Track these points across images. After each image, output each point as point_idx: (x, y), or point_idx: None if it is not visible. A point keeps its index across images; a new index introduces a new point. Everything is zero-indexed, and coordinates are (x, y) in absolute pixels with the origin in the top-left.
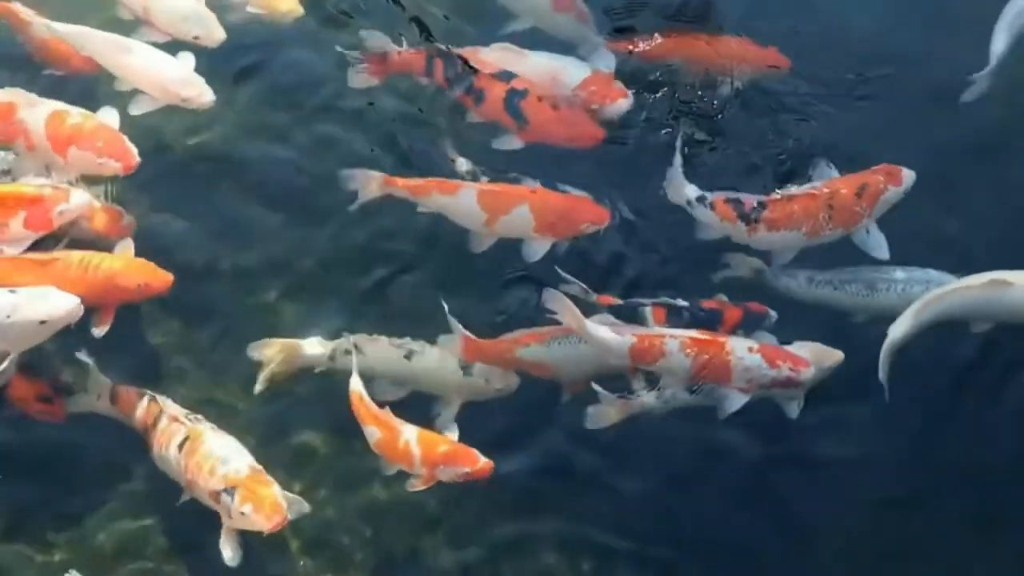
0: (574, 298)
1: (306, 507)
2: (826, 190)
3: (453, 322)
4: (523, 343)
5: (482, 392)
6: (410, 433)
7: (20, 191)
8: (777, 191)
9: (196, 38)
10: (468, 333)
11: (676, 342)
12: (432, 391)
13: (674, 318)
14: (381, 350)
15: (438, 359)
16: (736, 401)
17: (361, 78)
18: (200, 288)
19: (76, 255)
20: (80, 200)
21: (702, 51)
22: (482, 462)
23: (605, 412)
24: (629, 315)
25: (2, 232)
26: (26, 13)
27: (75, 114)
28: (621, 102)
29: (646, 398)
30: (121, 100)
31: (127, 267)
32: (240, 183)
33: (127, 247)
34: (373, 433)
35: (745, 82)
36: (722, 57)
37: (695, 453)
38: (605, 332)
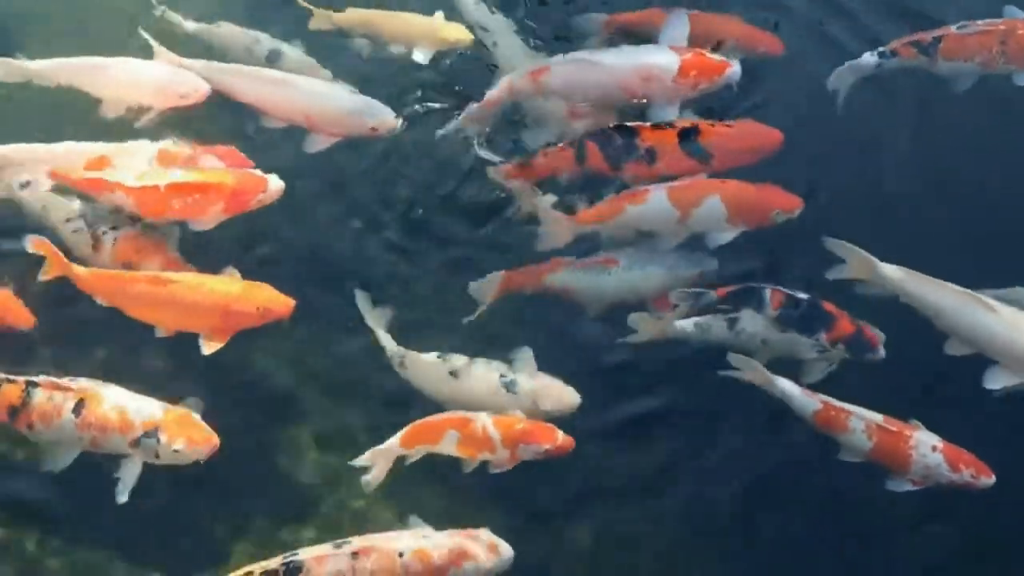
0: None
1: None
2: (1003, 27)
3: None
4: (552, 269)
5: (532, 410)
6: (484, 419)
7: (225, 179)
8: (955, 25)
9: (373, 129)
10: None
11: (861, 422)
12: (477, 409)
13: (787, 308)
14: (426, 366)
15: (481, 380)
16: (902, 487)
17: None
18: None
19: (194, 277)
20: (276, 187)
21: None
22: (561, 438)
23: (644, 326)
24: (743, 299)
25: (200, 213)
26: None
27: (174, 144)
28: (731, 72)
29: (685, 324)
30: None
31: (247, 291)
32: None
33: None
34: (452, 437)
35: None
36: (716, 35)
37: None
38: (792, 388)
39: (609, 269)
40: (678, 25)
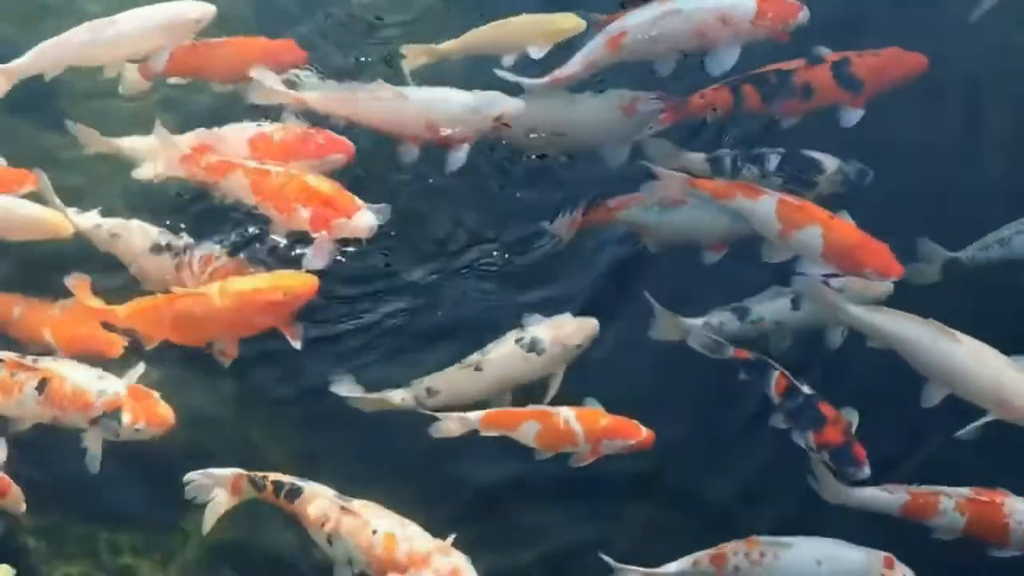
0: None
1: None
2: None
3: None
4: (624, 205)
5: (565, 355)
6: (567, 412)
7: (325, 189)
8: None
9: (500, 119)
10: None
11: (951, 500)
12: (517, 385)
13: (788, 396)
14: (453, 379)
15: (505, 357)
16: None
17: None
18: None
19: (215, 287)
20: (363, 224)
21: None
22: (644, 433)
23: (663, 328)
24: (754, 371)
25: (290, 212)
26: None
27: (271, 128)
28: (803, 15)
29: (696, 323)
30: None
31: (267, 282)
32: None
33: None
34: (531, 428)
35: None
36: None
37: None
38: (872, 492)
39: (679, 208)
40: None
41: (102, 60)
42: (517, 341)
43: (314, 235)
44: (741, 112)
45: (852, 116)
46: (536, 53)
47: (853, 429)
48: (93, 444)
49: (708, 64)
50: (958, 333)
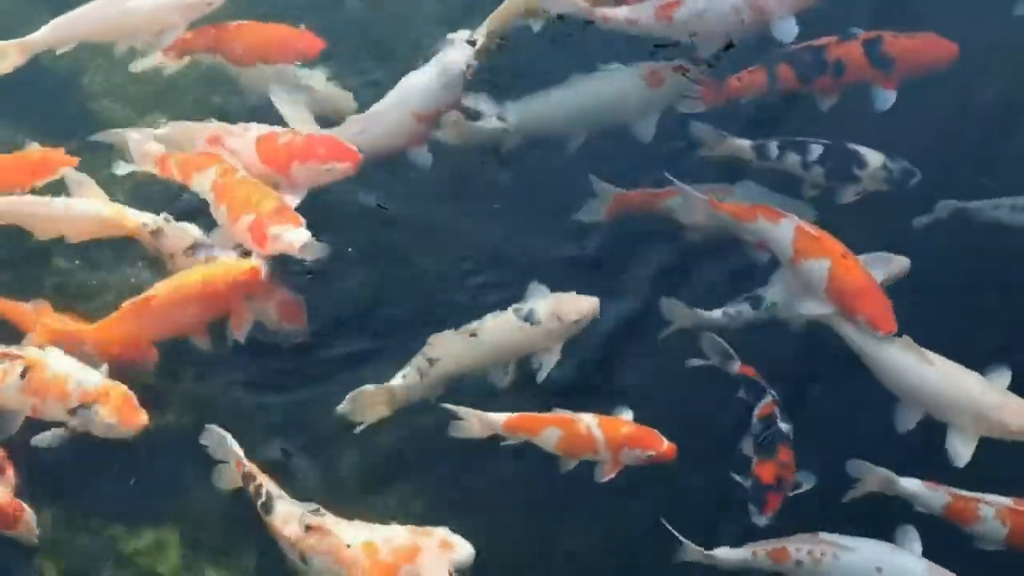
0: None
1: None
2: None
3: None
4: (667, 195)
5: (562, 330)
6: (589, 419)
7: (270, 204)
8: None
9: (469, 69)
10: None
11: (991, 509)
12: (514, 357)
13: (765, 422)
14: (450, 345)
15: (501, 325)
16: None
17: (693, 104)
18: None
19: (168, 283)
20: (296, 241)
21: None
22: (666, 444)
23: (677, 315)
24: (751, 392)
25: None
26: None
27: (282, 131)
28: None
29: (715, 314)
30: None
31: (218, 269)
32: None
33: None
34: (553, 435)
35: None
36: None
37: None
38: (918, 486)
39: (722, 199)
40: None
41: (115, 36)
42: (515, 311)
43: (251, 246)
44: (781, 89)
45: (886, 97)
46: (536, 27)
47: (796, 489)
48: (73, 433)
49: (775, 32)
50: (929, 352)
